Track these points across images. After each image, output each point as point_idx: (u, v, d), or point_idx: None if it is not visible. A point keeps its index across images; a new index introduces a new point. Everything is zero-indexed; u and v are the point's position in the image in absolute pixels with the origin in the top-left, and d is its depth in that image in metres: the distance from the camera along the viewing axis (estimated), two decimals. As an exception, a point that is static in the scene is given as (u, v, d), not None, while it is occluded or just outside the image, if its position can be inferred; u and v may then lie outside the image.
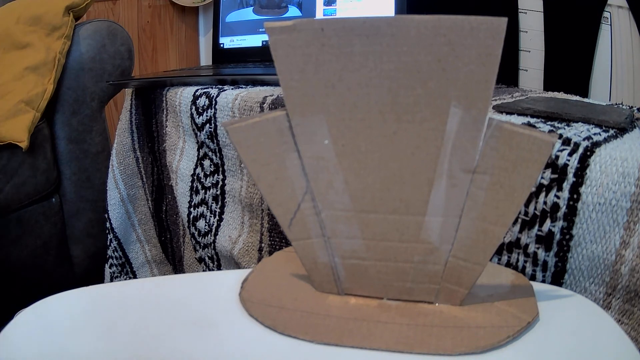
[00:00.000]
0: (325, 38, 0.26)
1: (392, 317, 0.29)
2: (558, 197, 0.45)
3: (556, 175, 0.45)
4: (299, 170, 0.29)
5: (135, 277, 0.94)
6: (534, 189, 0.46)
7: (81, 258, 1.08)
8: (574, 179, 0.44)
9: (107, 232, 0.90)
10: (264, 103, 0.63)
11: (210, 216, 0.77)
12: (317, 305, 0.30)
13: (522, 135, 0.27)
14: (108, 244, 0.90)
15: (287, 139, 0.28)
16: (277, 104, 0.63)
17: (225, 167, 0.72)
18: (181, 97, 0.76)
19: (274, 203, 0.30)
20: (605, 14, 0.83)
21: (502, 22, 0.24)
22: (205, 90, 0.74)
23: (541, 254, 0.47)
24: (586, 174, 0.43)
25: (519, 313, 0.29)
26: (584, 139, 0.46)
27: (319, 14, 1.00)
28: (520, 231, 0.47)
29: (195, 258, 0.82)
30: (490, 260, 0.51)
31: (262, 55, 1.03)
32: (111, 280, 0.90)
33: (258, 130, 0.29)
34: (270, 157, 0.29)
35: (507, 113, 0.56)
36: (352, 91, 0.27)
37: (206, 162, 0.76)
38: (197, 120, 0.73)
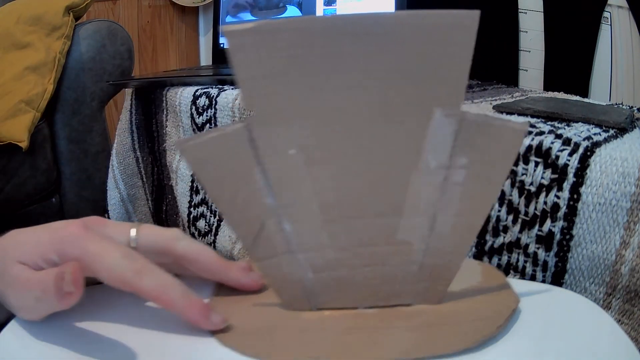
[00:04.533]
0: (284, 41, 0.24)
1: (375, 324, 0.28)
2: (558, 197, 0.45)
3: (556, 175, 0.45)
4: (262, 186, 0.27)
5: (135, 277, 0.94)
6: (534, 189, 0.46)
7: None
8: (574, 179, 0.44)
9: (107, 232, 0.90)
10: (264, 103, 0.63)
11: (210, 216, 0.77)
12: (293, 325, 0.29)
13: (493, 126, 0.26)
14: (108, 244, 0.90)
15: (248, 154, 0.27)
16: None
17: (225, 167, 0.72)
18: (181, 97, 0.76)
19: (234, 223, 0.28)
20: (605, 14, 0.83)
21: (475, 15, 0.24)
22: (205, 90, 0.74)
23: (541, 254, 0.47)
24: (586, 174, 0.43)
25: (501, 303, 0.29)
26: (584, 139, 0.46)
27: (319, 14, 1.00)
28: (520, 231, 0.47)
29: (195, 258, 0.82)
30: (490, 260, 0.52)
31: (262, 55, 1.03)
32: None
33: (215, 147, 0.27)
34: (229, 175, 0.27)
35: (507, 113, 0.56)
36: (317, 95, 0.25)
37: (206, 162, 0.76)
38: (197, 120, 0.73)
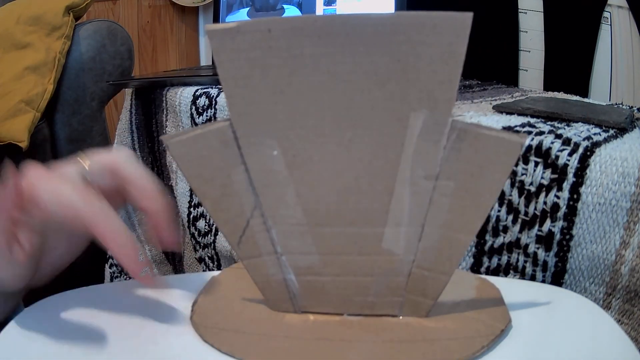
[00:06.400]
0: (272, 40, 0.24)
1: (357, 334, 0.28)
2: (558, 197, 0.45)
3: (556, 175, 0.45)
4: (247, 185, 0.27)
5: (135, 277, 0.94)
6: (534, 189, 0.46)
7: (81, 258, 1.08)
8: (574, 179, 0.44)
9: (107, 232, 0.90)
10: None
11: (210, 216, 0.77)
12: (274, 327, 0.29)
13: (488, 137, 0.25)
14: (108, 244, 0.90)
15: (233, 152, 0.26)
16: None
17: (225, 167, 0.72)
18: (181, 97, 0.76)
19: (220, 221, 0.28)
20: (605, 14, 0.83)
21: (467, 17, 0.22)
22: (205, 90, 0.74)
23: (541, 254, 0.47)
24: (586, 174, 0.44)
25: (491, 321, 0.28)
26: (584, 139, 0.46)
27: (319, 14, 1.00)
28: (520, 231, 0.47)
29: (195, 258, 0.82)
30: (490, 260, 0.52)
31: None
32: (111, 280, 0.90)
33: (200, 144, 0.26)
34: (214, 172, 0.27)
35: (507, 113, 0.56)
36: (302, 97, 0.25)
37: (206, 162, 0.76)
38: (197, 120, 0.73)
